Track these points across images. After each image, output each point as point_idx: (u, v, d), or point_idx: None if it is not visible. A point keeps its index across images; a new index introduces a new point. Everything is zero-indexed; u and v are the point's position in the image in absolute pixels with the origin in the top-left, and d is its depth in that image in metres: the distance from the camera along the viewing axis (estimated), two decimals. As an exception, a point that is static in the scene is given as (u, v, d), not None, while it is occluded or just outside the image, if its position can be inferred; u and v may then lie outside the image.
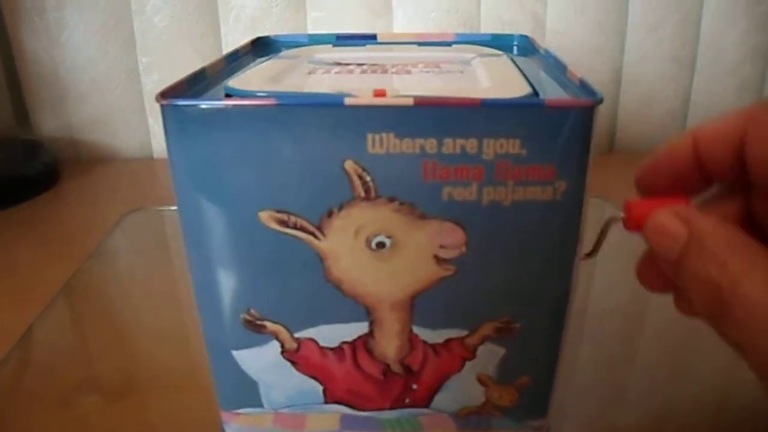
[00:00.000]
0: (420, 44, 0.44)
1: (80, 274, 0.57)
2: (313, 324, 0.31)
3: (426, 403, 0.34)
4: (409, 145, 0.27)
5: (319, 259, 0.29)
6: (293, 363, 0.33)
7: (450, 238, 0.29)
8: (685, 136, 0.29)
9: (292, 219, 0.29)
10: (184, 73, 0.77)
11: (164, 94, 0.28)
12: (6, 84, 0.88)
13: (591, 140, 0.27)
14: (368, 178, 0.28)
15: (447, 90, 0.30)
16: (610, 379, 0.44)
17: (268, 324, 0.32)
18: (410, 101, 0.26)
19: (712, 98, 0.86)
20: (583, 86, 0.29)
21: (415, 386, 0.33)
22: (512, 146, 0.27)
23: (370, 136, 0.27)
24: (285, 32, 0.82)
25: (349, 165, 0.27)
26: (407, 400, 0.34)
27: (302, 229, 0.29)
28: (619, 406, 0.42)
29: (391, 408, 0.34)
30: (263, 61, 0.38)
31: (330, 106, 0.27)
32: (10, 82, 0.88)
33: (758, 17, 0.82)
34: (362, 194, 0.28)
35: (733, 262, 0.24)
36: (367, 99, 0.27)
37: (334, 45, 0.44)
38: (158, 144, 0.89)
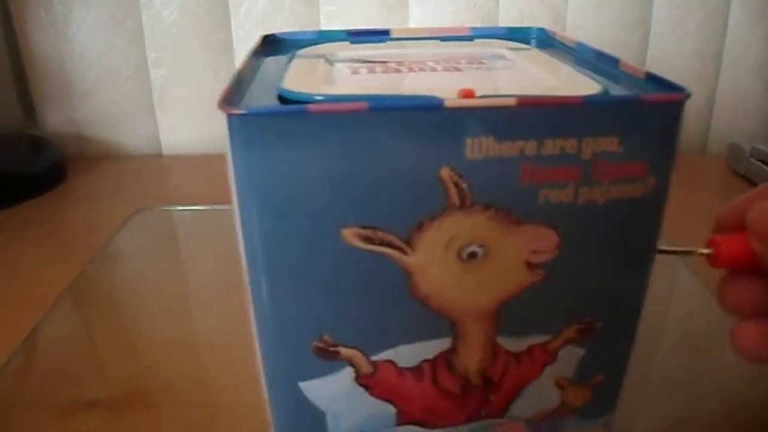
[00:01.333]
0: (439, 39, 0.42)
1: (84, 277, 0.55)
2: (393, 345, 0.29)
3: (502, 412, 0.32)
4: (508, 148, 0.25)
5: (406, 275, 0.27)
6: (367, 387, 0.30)
7: (543, 242, 0.27)
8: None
9: (379, 235, 0.26)
10: (193, 69, 0.74)
11: (227, 101, 0.25)
12: (13, 79, 0.86)
13: (680, 135, 0.27)
14: (465, 186, 0.26)
15: (521, 87, 0.29)
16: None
17: (342, 350, 0.29)
18: (513, 102, 0.25)
19: (738, 97, 0.85)
20: (654, 80, 0.29)
21: (492, 398, 0.32)
22: (610, 144, 0.26)
23: (469, 141, 0.25)
24: (297, 27, 0.80)
25: (445, 172, 0.25)
26: (483, 413, 0.32)
27: (389, 244, 0.27)
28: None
29: (467, 422, 0.32)
30: (287, 61, 0.35)
31: (428, 109, 0.25)
32: (17, 77, 0.86)
33: (785, 13, 0.81)
34: (457, 203, 0.26)
35: None
36: (468, 101, 0.25)
37: (351, 42, 0.41)
38: (167, 140, 0.87)
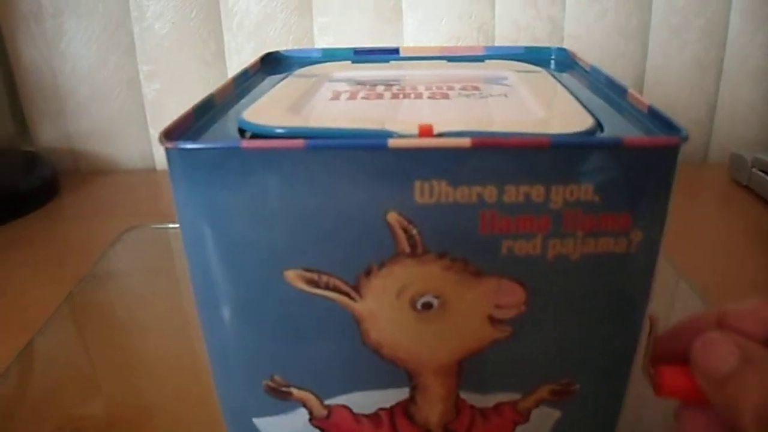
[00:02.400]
0: (449, 59, 0.40)
1: (76, 295, 0.54)
2: (346, 391, 0.27)
3: None
4: (464, 194, 0.23)
5: (355, 321, 0.25)
6: (322, 430, 0.29)
7: (508, 296, 0.25)
8: (709, 311, 0.29)
9: (324, 279, 0.24)
10: (186, 82, 0.72)
11: (168, 134, 0.24)
12: (5, 94, 0.85)
13: (673, 184, 0.24)
14: (414, 232, 0.23)
15: (501, 122, 0.26)
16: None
17: (294, 391, 0.27)
18: (467, 142, 0.22)
19: (738, 105, 0.83)
20: (656, 116, 0.26)
21: None
22: (584, 192, 0.23)
23: (417, 184, 0.23)
24: (291, 39, 0.79)
25: (392, 217, 0.23)
26: None
27: (335, 289, 0.25)
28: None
29: None
30: (277, 82, 0.33)
31: (370, 149, 0.22)
32: (9, 91, 0.85)
33: (787, 21, 0.78)
34: (407, 250, 0.24)
35: None
36: (414, 141, 0.23)
37: (353, 62, 0.40)
38: (160, 155, 0.85)
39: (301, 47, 0.78)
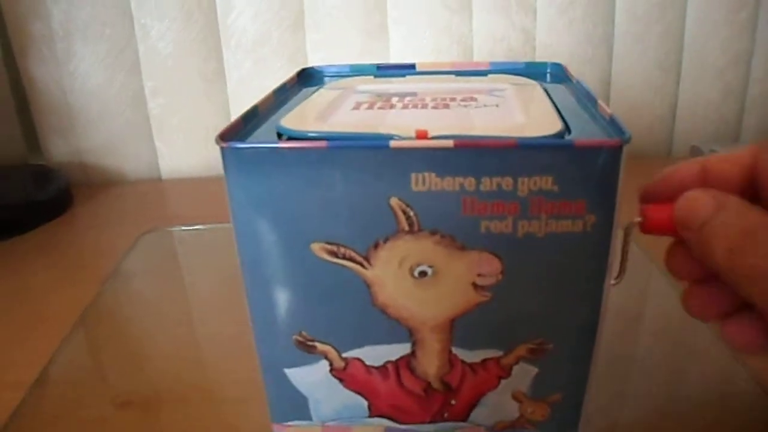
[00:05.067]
0: (457, 74, 0.46)
1: (100, 298, 0.58)
2: (359, 345, 0.33)
3: (464, 417, 0.36)
4: (449, 183, 0.29)
5: (366, 286, 0.31)
6: (341, 380, 0.34)
7: (487, 267, 0.30)
8: (693, 160, 0.32)
9: (342, 250, 0.30)
10: (189, 97, 0.79)
11: (223, 136, 0.30)
12: (16, 113, 0.89)
13: (619, 176, 0.29)
14: (411, 213, 0.29)
15: (485, 127, 0.32)
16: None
17: (318, 345, 0.33)
18: (450, 143, 0.28)
19: (698, 103, 0.89)
20: (613, 123, 0.31)
21: (453, 402, 0.35)
22: (545, 183, 0.29)
23: (413, 176, 0.29)
24: (285, 56, 0.84)
25: (394, 201, 0.29)
26: (446, 415, 0.35)
27: (351, 259, 0.30)
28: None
29: (431, 422, 0.36)
30: (311, 94, 0.40)
31: (376, 148, 0.28)
32: (20, 110, 0.89)
33: (739, 25, 0.85)
34: (406, 228, 0.29)
35: (752, 214, 0.27)
36: (410, 142, 0.28)
37: (376, 76, 0.46)
38: (166, 165, 0.90)
39: (295, 62, 0.84)
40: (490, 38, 0.84)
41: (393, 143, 0.28)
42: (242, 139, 0.31)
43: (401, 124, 0.32)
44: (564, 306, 0.32)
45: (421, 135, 0.29)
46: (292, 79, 0.44)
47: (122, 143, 0.90)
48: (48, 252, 0.68)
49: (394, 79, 0.44)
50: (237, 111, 0.85)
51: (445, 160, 0.28)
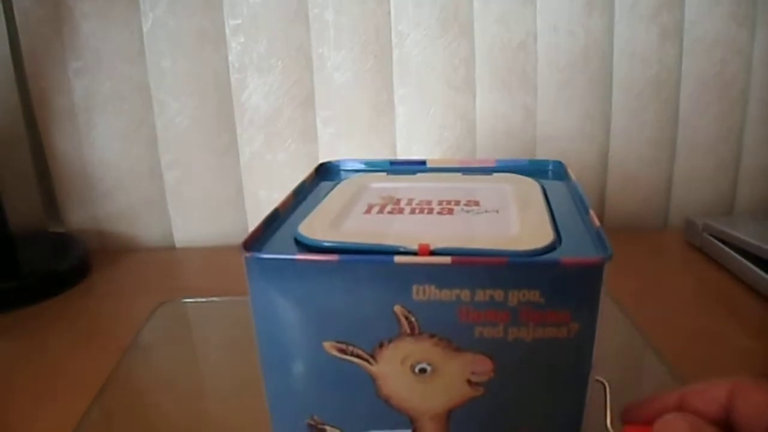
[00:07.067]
0: (464, 171, 0.50)
1: (119, 371, 0.60)
2: (366, 429, 0.37)
3: None
4: (447, 295, 0.33)
5: (372, 379, 0.36)
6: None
7: (480, 366, 0.35)
8: (674, 390, 0.36)
9: (350, 348, 0.35)
10: (202, 170, 0.83)
11: (247, 246, 0.35)
12: (36, 181, 0.94)
13: (601, 289, 0.33)
14: (413, 319, 0.34)
15: (483, 239, 0.36)
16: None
17: (328, 428, 0.38)
18: (448, 260, 0.32)
19: (693, 176, 0.93)
20: (599, 236, 0.35)
21: None
22: (532, 296, 0.33)
23: (415, 287, 0.33)
24: (296, 131, 0.88)
25: (397, 308, 0.34)
26: None
27: (358, 356, 0.35)
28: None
29: None
30: (329, 189, 0.45)
31: (382, 263, 0.33)
32: (40, 179, 0.94)
33: (729, 102, 0.89)
34: (408, 331, 0.34)
35: None
36: (412, 258, 0.33)
37: (389, 172, 0.50)
38: (179, 234, 0.95)
39: (305, 137, 0.89)
40: (492, 115, 0.89)
41: (397, 259, 0.33)
42: (263, 244, 0.36)
43: (406, 233, 0.37)
44: (548, 400, 0.36)
45: (424, 249, 0.34)
46: (311, 175, 0.48)
47: (138, 212, 0.94)
48: (67, 321, 0.71)
49: (405, 177, 0.49)
50: (249, 184, 0.91)
51: (443, 274, 0.33)
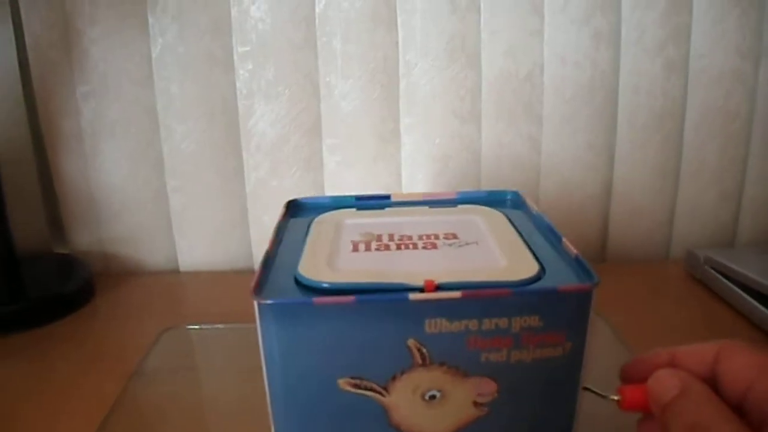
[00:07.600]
0: (430, 204, 0.54)
1: (124, 398, 0.61)
2: (379, 456, 0.41)
3: None
4: (456, 326, 0.37)
5: (384, 410, 0.39)
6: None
7: (486, 388, 0.38)
8: (666, 350, 0.38)
9: (364, 383, 0.38)
10: (208, 194, 0.85)
11: (255, 291, 0.37)
12: (42, 202, 0.96)
13: (590, 311, 0.37)
14: (425, 351, 0.37)
15: (479, 272, 0.40)
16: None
17: (339, 458, 0.41)
18: (458, 295, 0.36)
19: (696, 207, 0.96)
20: (579, 264, 0.40)
21: None
22: (533, 321, 0.37)
23: (427, 321, 0.37)
24: (302, 157, 0.90)
25: (411, 342, 0.37)
26: None
27: (372, 390, 0.38)
28: None
29: None
30: (301, 226, 0.48)
31: (397, 301, 0.36)
32: (47, 200, 0.97)
33: (733, 134, 0.92)
34: (420, 362, 0.37)
35: (708, 409, 0.33)
36: (425, 295, 0.36)
37: (357, 208, 0.53)
38: (183, 258, 0.98)
39: (311, 165, 0.92)
40: (498, 145, 0.92)
41: (412, 296, 0.36)
42: (269, 288, 0.39)
43: (403, 270, 0.40)
44: (544, 413, 0.40)
45: (429, 285, 0.37)
46: (283, 213, 0.51)
47: (143, 236, 0.96)
48: (73, 345, 0.73)
49: (374, 212, 0.52)
50: (254, 210, 0.94)
51: (453, 307, 0.36)
